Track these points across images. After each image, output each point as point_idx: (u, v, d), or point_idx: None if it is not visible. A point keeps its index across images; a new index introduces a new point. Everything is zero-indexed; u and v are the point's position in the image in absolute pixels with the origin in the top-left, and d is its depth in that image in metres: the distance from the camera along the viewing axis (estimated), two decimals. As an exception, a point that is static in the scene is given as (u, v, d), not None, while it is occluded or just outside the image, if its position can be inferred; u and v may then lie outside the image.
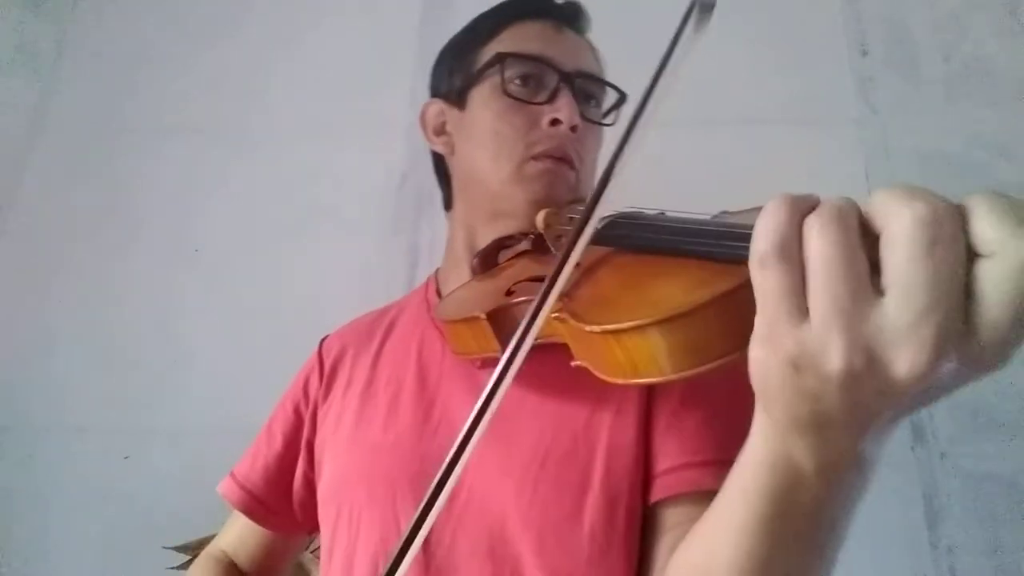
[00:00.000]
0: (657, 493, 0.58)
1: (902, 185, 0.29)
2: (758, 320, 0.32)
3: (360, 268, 1.28)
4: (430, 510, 0.41)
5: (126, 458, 1.19)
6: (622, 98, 0.79)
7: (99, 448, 1.20)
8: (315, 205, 1.33)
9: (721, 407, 0.59)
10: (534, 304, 0.45)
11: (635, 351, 0.41)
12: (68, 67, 1.48)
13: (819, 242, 0.29)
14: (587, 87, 0.75)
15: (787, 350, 0.31)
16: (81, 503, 1.16)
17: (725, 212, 0.58)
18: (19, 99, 1.45)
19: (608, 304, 0.47)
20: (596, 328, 0.43)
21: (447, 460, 0.42)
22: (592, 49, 0.79)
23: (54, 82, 1.46)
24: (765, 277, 0.31)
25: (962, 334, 0.28)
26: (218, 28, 1.48)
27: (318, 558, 1.00)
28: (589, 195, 0.45)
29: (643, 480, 0.59)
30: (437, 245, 1.28)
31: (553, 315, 0.48)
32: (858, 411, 0.32)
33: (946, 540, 1.03)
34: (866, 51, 1.34)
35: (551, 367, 0.52)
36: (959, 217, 0.28)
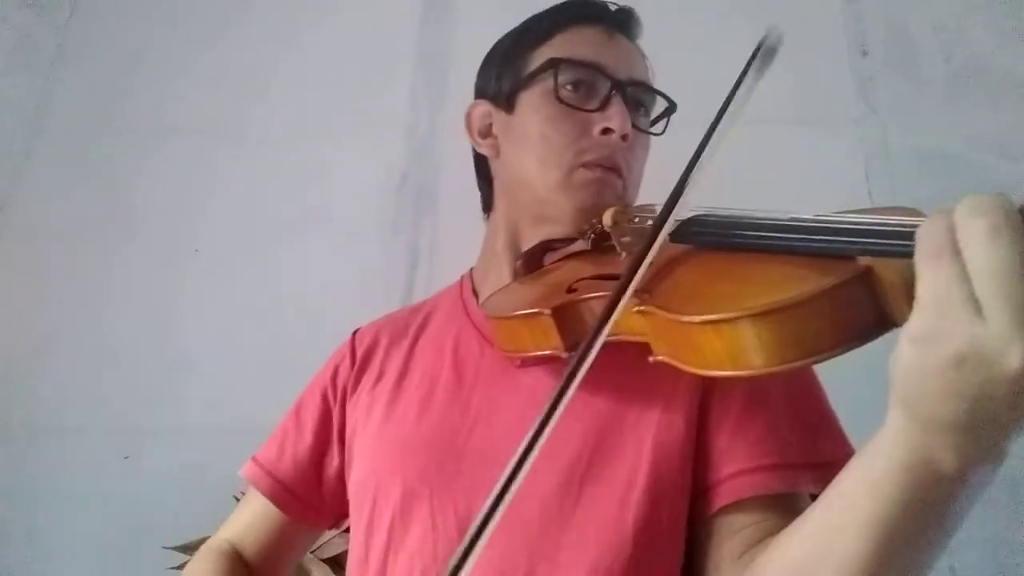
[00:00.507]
0: (724, 498, 0.58)
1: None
2: (917, 318, 0.32)
3: (360, 268, 1.28)
4: (489, 520, 0.41)
5: (126, 458, 1.19)
6: (671, 107, 0.78)
7: (99, 448, 1.19)
8: (315, 205, 1.33)
9: (783, 410, 0.59)
10: (610, 298, 0.45)
11: (737, 341, 0.41)
12: (68, 67, 1.48)
13: (992, 244, 0.30)
14: (638, 95, 0.75)
15: (957, 347, 0.31)
16: (81, 503, 1.16)
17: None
18: (19, 99, 1.45)
19: (701, 296, 0.46)
20: (696, 318, 0.42)
21: (513, 461, 0.42)
22: (643, 56, 0.78)
23: (54, 82, 1.46)
24: (940, 269, 0.31)
25: None
26: (218, 28, 1.48)
27: (319, 559, 1.00)
28: (663, 199, 0.45)
29: (689, 482, 0.59)
30: (437, 245, 1.28)
31: (635, 309, 0.48)
32: (1019, 408, 0.32)
33: (946, 540, 1.03)
34: (866, 51, 1.34)
35: (605, 366, 0.51)
36: None
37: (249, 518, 0.79)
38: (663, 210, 0.47)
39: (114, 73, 1.46)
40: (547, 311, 0.57)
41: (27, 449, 1.21)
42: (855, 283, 0.38)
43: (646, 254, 0.46)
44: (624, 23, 0.77)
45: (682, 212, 0.51)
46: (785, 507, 0.56)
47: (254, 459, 0.80)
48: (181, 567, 1.08)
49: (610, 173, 0.71)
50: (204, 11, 1.50)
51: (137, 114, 1.43)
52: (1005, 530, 1.03)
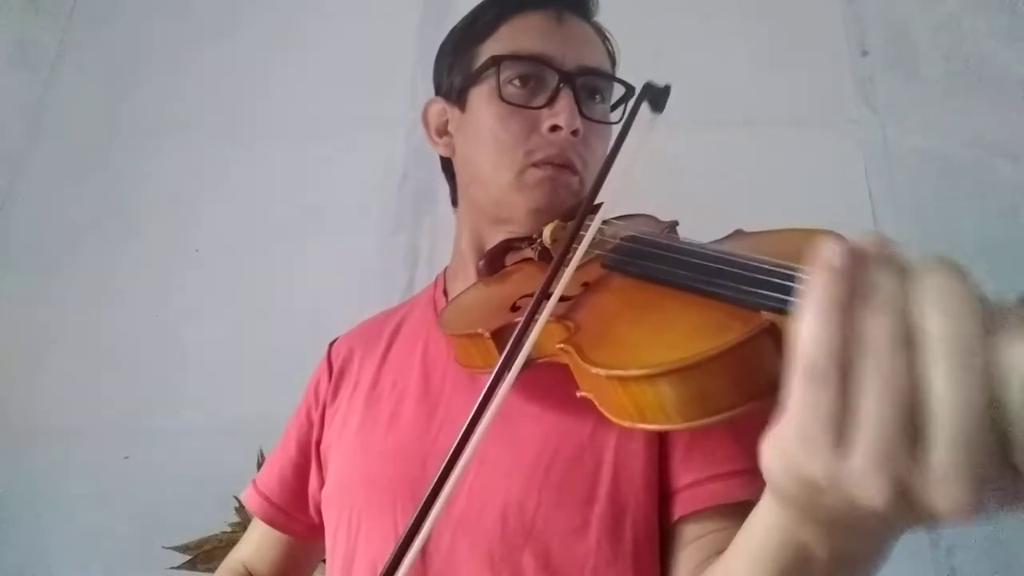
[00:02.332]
0: (681, 508, 0.57)
1: (945, 273, 0.26)
2: (787, 428, 0.29)
3: (360, 268, 1.28)
4: (425, 517, 0.41)
5: (126, 458, 1.19)
6: (628, 92, 0.75)
7: (99, 448, 1.19)
8: (315, 205, 1.33)
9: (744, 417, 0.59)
10: (517, 329, 0.45)
11: (641, 398, 0.40)
12: (68, 67, 1.47)
13: (878, 379, 0.26)
14: (591, 83, 0.72)
15: (813, 472, 0.28)
16: (81, 503, 1.16)
17: (739, 231, 0.57)
18: (19, 99, 1.45)
19: (614, 343, 0.45)
20: (601, 372, 0.42)
21: (441, 468, 0.42)
22: (599, 37, 0.75)
23: (54, 82, 1.46)
24: (809, 392, 0.27)
25: (1005, 470, 0.26)
26: (218, 28, 1.48)
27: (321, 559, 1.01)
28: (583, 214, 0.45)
29: (655, 494, 0.58)
30: (437, 245, 1.28)
31: (559, 345, 0.48)
32: (884, 529, 0.31)
33: (946, 540, 1.03)
34: (866, 51, 1.34)
35: (557, 375, 0.51)
36: (992, 338, 0.25)
37: (257, 539, 0.81)
38: (565, 241, 0.48)
39: (114, 73, 1.46)
40: (487, 333, 0.56)
41: (27, 449, 1.21)
42: (758, 339, 0.36)
43: (551, 285, 0.46)
44: (575, 3, 0.74)
45: (619, 231, 0.52)
46: (745, 514, 0.56)
47: (252, 482, 0.81)
48: (181, 567, 1.08)
49: (562, 170, 0.68)
50: (204, 11, 1.49)
51: (137, 114, 1.43)
52: (1005, 530, 1.03)
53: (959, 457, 0.25)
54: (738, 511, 0.55)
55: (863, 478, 0.27)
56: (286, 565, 0.80)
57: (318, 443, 0.76)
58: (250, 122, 1.41)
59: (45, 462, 1.20)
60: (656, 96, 0.53)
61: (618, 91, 0.75)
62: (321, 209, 1.33)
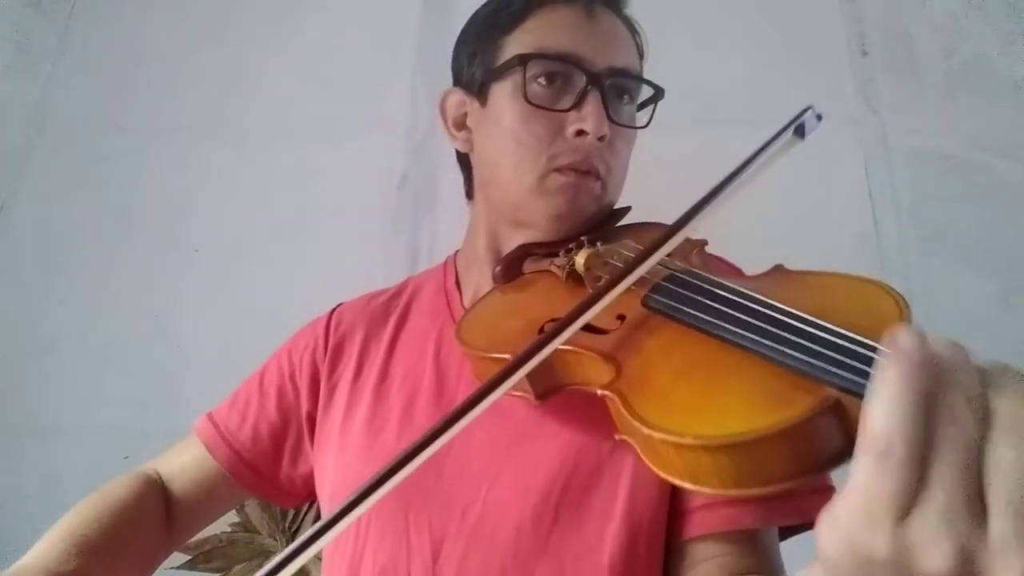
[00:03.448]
0: (691, 530, 0.56)
1: (1017, 382, 0.29)
2: (850, 500, 0.30)
3: (360, 268, 1.28)
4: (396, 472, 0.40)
5: (126, 458, 1.19)
6: (657, 94, 0.72)
7: (99, 448, 1.19)
8: (315, 205, 1.33)
9: None
10: (529, 348, 0.44)
11: (695, 464, 0.39)
12: (68, 67, 1.48)
13: (952, 464, 0.28)
14: (620, 83, 0.68)
15: (876, 547, 0.29)
16: (81, 503, 1.16)
17: (780, 267, 0.54)
18: (19, 99, 1.45)
19: (665, 401, 0.43)
20: (656, 434, 0.40)
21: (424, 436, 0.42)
22: (629, 33, 0.71)
23: (54, 82, 1.46)
24: (882, 472, 0.29)
25: None
26: (217, 28, 1.48)
27: (319, 558, 1.00)
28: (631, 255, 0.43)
29: (668, 512, 0.57)
30: (437, 245, 1.28)
31: (600, 392, 0.46)
32: None
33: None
34: (866, 51, 1.34)
35: (582, 403, 0.50)
36: None
37: (188, 461, 0.76)
38: (623, 270, 0.45)
39: (114, 73, 1.46)
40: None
41: (27, 449, 1.21)
42: (821, 417, 0.35)
43: (588, 308, 0.44)
44: None
45: (653, 269, 0.48)
46: (754, 541, 0.55)
47: (210, 418, 0.77)
48: (181, 567, 1.08)
49: (586, 176, 0.66)
50: (203, 11, 1.49)
51: (136, 114, 1.43)
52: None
53: (1019, 527, 0.27)
54: (746, 538, 0.55)
55: (924, 543, 0.28)
56: (210, 497, 0.75)
57: (311, 416, 0.73)
58: (249, 122, 1.41)
59: (44, 462, 1.20)
60: (808, 123, 0.49)
61: (646, 91, 0.72)
62: (321, 209, 1.33)
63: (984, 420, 0.29)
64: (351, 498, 0.41)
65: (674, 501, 0.58)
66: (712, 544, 0.55)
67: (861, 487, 0.29)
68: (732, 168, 0.44)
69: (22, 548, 0.73)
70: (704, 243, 0.62)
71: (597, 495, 0.57)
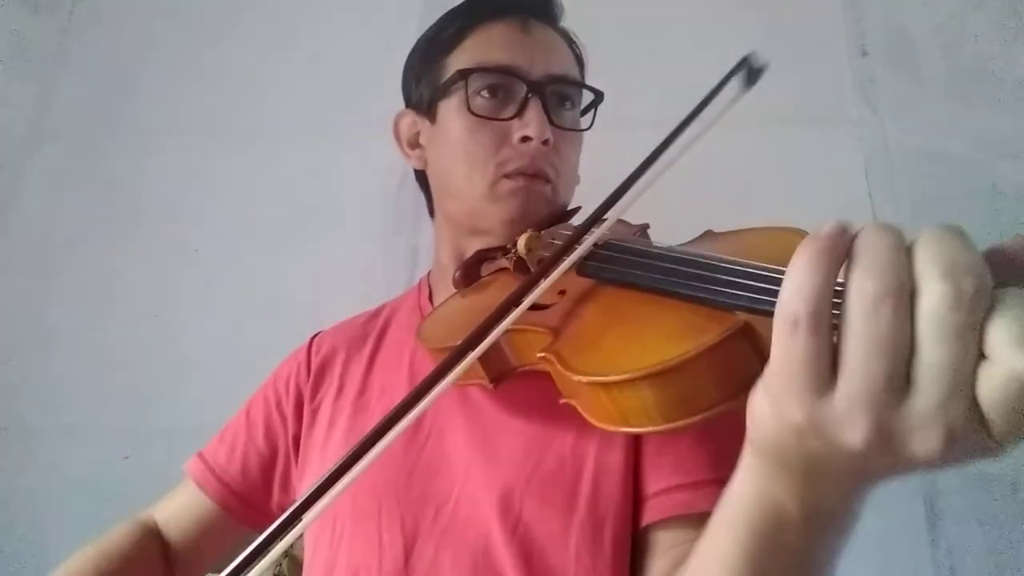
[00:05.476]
0: (648, 516, 0.57)
1: (946, 236, 0.29)
2: (771, 375, 0.31)
3: (360, 268, 1.28)
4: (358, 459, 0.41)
5: (126, 458, 1.19)
6: (597, 98, 0.76)
7: (98, 448, 1.19)
8: (315, 205, 1.33)
9: (713, 426, 0.59)
10: (489, 315, 0.45)
11: (624, 402, 0.41)
12: (68, 67, 1.47)
13: (865, 322, 0.28)
14: (560, 90, 0.72)
15: (796, 419, 0.30)
16: (80, 503, 1.16)
17: (709, 231, 0.58)
18: (19, 99, 1.45)
19: (595, 349, 0.46)
20: (583, 379, 0.43)
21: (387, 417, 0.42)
22: (566, 42, 0.75)
23: (54, 82, 1.46)
24: (794, 342, 0.29)
25: (975, 423, 0.27)
26: (218, 28, 1.48)
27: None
28: (569, 227, 0.45)
29: (632, 501, 0.58)
30: (437, 245, 1.28)
31: (539, 354, 0.49)
32: (859, 475, 0.32)
33: (946, 540, 1.03)
34: (866, 51, 1.34)
35: (539, 387, 0.51)
36: (984, 306, 0.27)
37: (182, 503, 0.78)
38: (555, 252, 0.47)
39: (114, 73, 1.46)
40: None
41: (27, 449, 1.21)
42: (733, 339, 0.38)
43: (529, 291, 0.46)
44: (540, 9, 0.74)
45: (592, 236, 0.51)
46: None
47: (201, 457, 0.79)
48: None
49: (535, 180, 0.69)
50: (204, 11, 1.49)
51: (137, 114, 1.43)
52: (1005, 532, 1.03)
53: (939, 408, 0.27)
54: (704, 522, 0.56)
55: (846, 416, 0.29)
56: (209, 537, 0.77)
57: (296, 439, 0.75)
58: (250, 122, 1.41)
59: (44, 462, 1.20)
60: (752, 71, 0.52)
61: (587, 97, 0.76)
62: (321, 210, 1.33)
63: (906, 292, 0.28)
64: (299, 502, 0.41)
65: (635, 489, 0.59)
66: (675, 532, 0.56)
67: (777, 358, 0.30)
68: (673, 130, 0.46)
69: (22, 548, 0.74)
70: (645, 226, 0.67)
71: (561, 487, 0.58)
